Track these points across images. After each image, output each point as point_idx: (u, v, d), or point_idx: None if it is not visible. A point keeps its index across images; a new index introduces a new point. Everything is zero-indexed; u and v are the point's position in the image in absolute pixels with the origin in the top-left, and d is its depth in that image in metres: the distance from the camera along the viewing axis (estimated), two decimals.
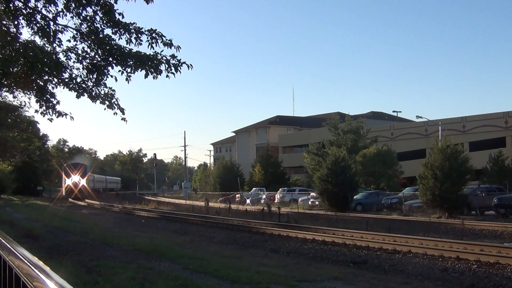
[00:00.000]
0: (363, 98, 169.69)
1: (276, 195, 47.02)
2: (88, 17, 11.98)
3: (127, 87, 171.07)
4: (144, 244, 15.04)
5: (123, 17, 11.82)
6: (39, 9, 12.09)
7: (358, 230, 19.83)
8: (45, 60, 11.84)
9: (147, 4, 11.50)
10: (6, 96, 28.32)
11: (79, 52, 12.37)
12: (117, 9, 11.77)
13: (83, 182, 63.74)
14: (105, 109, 12.47)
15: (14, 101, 29.43)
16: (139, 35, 11.83)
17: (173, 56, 11.72)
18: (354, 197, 37.27)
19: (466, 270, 11.23)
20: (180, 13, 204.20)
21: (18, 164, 65.69)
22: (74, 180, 63.09)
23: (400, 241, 15.97)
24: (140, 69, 11.82)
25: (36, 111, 13.16)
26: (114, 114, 12.55)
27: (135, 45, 11.89)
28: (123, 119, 12.68)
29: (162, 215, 32.13)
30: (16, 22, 12.12)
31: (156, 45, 11.77)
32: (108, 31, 12.02)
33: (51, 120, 12.73)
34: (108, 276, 9.51)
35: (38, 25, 12.12)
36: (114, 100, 12.58)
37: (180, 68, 11.74)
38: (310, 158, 54.12)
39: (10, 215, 28.97)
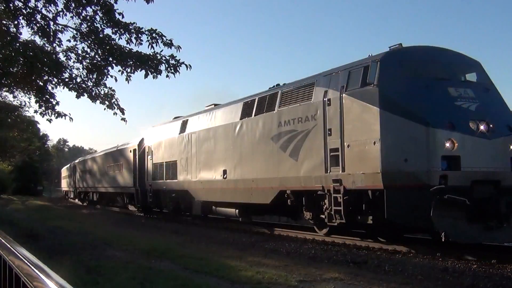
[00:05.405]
0: None
1: None
2: (88, 17, 12.00)
3: (127, 87, 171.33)
4: (144, 244, 15.01)
5: (123, 17, 11.86)
6: (39, 9, 12.13)
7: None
8: (45, 60, 11.86)
9: (147, 4, 11.53)
10: (6, 96, 28.30)
11: (79, 52, 12.42)
12: (117, 9, 11.81)
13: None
14: (105, 109, 12.54)
15: (14, 101, 29.37)
16: (139, 35, 11.85)
17: (172, 56, 11.76)
18: None
19: (466, 270, 11.23)
20: (180, 13, 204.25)
21: (18, 164, 65.68)
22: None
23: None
24: (140, 69, 11.85)
25: (36, 111, 13.23)
26: (114, 114, 12.61)
27: (135, 45, 11.94)
28: (123, 119, 12.74)
29: (162, 215, 32.08)
30: (16, 22, 12.14)
31: (156, 45, 11.82)
32: (108, 31, 12.07)
33: (50, 120, 12.79)
34: (108, 276, 9.50)
35: (38, 25, 12.14)
36: (114, 100, 12.64)
37: (179, 68, 11.78)
38: None
39: (10, 215, 28.98)
